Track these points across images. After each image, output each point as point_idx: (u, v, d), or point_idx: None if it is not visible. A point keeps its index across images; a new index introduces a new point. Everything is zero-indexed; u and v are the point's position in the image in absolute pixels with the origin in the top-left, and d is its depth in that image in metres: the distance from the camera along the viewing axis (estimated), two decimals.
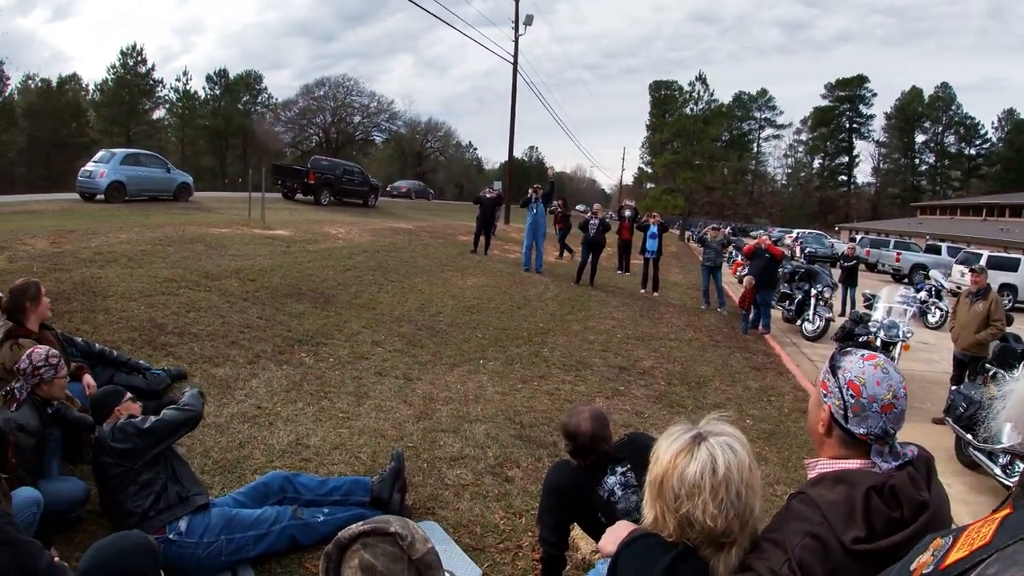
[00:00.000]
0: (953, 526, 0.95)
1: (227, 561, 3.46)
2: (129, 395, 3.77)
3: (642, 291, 15.92)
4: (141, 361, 5.72)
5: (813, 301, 13.12)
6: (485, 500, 4.59)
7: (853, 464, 1.65)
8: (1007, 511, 0.88)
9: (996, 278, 20.20)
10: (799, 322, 13.51)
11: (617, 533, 1.86)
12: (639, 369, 8.64)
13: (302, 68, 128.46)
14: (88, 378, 4.70)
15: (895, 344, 9.05)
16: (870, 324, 9.68)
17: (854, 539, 1.48)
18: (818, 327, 12.89)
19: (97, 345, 5.47)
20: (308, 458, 4.84)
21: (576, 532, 3.68)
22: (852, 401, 1.63)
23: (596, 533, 2.84)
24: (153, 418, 3.46)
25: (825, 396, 1.71)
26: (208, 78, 71.51)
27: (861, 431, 1.63)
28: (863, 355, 1.70)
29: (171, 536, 3.33)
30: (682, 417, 6.76)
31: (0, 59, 55.68)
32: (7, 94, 58.17)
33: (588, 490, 3.07)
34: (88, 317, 6.95)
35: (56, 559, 2.71)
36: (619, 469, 3.05)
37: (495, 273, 14.74)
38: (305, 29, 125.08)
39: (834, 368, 1.70)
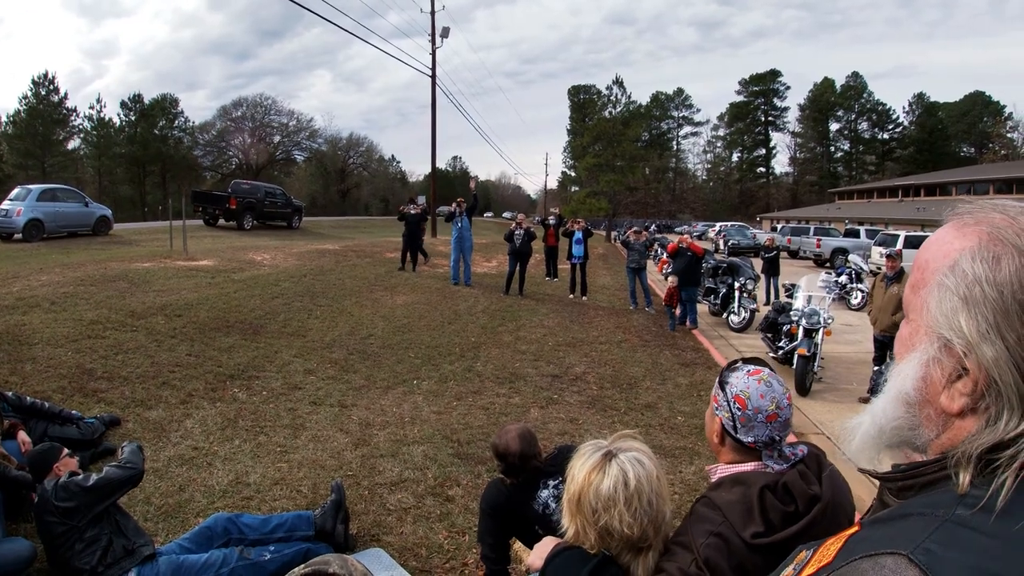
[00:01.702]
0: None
1: None
2: (67, 451, 3.78)
3: (571, 296, 16.12)
4: (73, 411, 5.66)
5: (737, 294, 13.51)
6: (428, 522, 4.66)
7: (748, 467, 1.81)
8: (855, 529, 0.90)
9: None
10: (725, 315, 13.92)
11: (544, 548, 2.01)
12: (571, 376, 8.78)
13: (218, 88, 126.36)
14: (23, 435, 4.66)
15: (817, 331, 9.24)
16: (791, 313, 9.96)
17: (753, 534, 1.63)
18: (744, 318, 13.31)
19: (28, 398, 5.40)
20: (249, 496, 4.86)
21: (518, 545, 3.79)
22: (739, 413, 1.79)
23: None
24: (96, 475, 3.48)
25: (716, 409, 1.87)
26: (123, 104, 69.77)
27: (749, 440, 1.78)
28: (748, 370, 1.86)
29: None
30: (615, 419, 6.98)
31: None
32: None
33: (523, 506, 3.19)
34: (16, 368, 6.85)
35: None
36: (551, 483, 3.18)
37: (424, 289, 14.82)
38: (220, 48, 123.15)
39: (722, 383, 1.87)
